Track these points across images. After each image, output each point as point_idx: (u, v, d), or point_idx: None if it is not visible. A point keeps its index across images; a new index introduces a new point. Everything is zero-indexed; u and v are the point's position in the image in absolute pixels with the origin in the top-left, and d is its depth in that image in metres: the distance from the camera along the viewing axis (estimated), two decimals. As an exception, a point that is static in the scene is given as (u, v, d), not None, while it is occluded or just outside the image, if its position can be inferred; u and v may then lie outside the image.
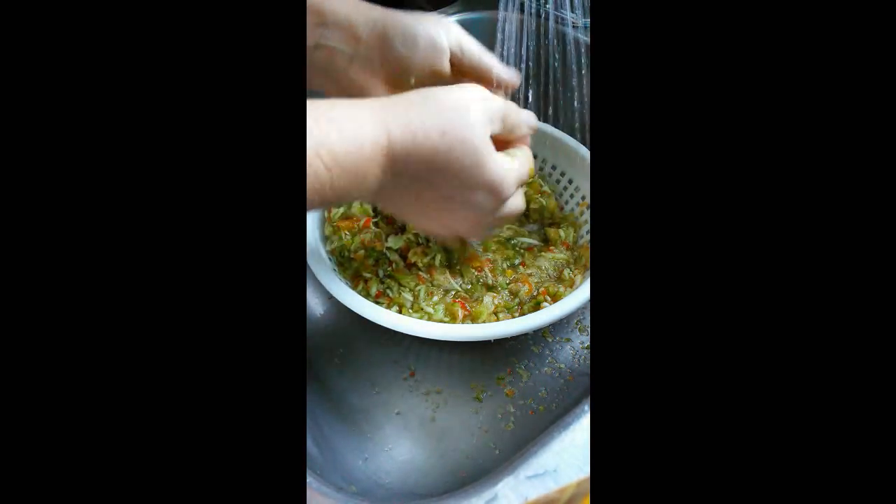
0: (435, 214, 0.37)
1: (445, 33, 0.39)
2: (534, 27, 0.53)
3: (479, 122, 0.33)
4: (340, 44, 0.39)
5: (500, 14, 0.51)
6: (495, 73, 0.40)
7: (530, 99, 0.53)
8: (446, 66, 0.39)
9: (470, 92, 0.34)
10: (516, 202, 0.38)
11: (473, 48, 0.40)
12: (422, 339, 0.47)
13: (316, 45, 0.39)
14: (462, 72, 0.40)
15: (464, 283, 0.48)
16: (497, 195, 0.35)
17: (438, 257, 0.48)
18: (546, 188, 0.55)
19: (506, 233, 0.51)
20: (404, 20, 0.39)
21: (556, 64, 0.55)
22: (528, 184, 0.54)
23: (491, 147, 0.34)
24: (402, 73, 0.39)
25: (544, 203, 0.53)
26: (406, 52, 0.38)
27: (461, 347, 0.50)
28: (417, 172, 0.32)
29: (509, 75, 0.41)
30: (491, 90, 0.38)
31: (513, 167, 0.36)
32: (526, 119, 0.38)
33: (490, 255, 0.50)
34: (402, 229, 0.50)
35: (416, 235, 0.49)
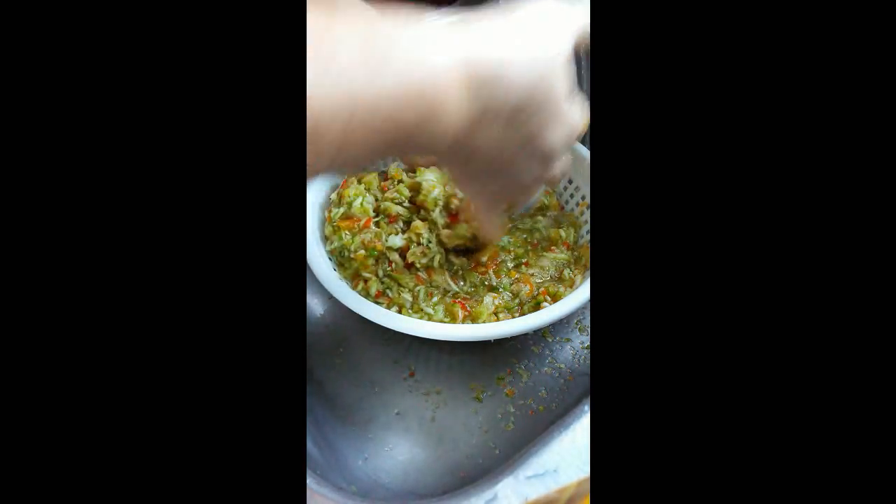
0: (511, 166, 0.32)
1: None
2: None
3: (566, 48, 0.29)
4: None
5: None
6: None
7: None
8: None
9: (556, 7, 0.30)
10: (564, 162, 0.35)
11: None
12: (422, 339, 0.47)
13: None
14: None
15: (465, 285, 0.48)
16: (571, 132, 0.31)
17: (437, 258, 0.48)
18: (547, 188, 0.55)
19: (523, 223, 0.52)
20: None
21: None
22: None
23: (570, 77, 0.30)
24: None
25: (546, 202, 0.53)
26: None
27: (461, 347, 0.50)
28: (506, 102, 0.28)
29: None
30: None
31: (578, 109, 0.32)
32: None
33: (508, 241, 0.49)
34: (408, 224, 0.50)
35: (418, 235, 0.49)
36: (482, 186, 0.35)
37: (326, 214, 0.51)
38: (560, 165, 0.35)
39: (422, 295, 0.46)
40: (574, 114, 0.31)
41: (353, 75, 0.22)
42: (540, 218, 0.53)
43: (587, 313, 0.52)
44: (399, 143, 0.25)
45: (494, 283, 0.48)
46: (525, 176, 0.33)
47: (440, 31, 0.26)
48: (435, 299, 0.46)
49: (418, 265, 0.47)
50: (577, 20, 0.31)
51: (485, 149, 0.30)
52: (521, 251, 0.50)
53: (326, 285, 0.42)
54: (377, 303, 0.44)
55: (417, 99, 0.24)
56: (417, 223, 0.48)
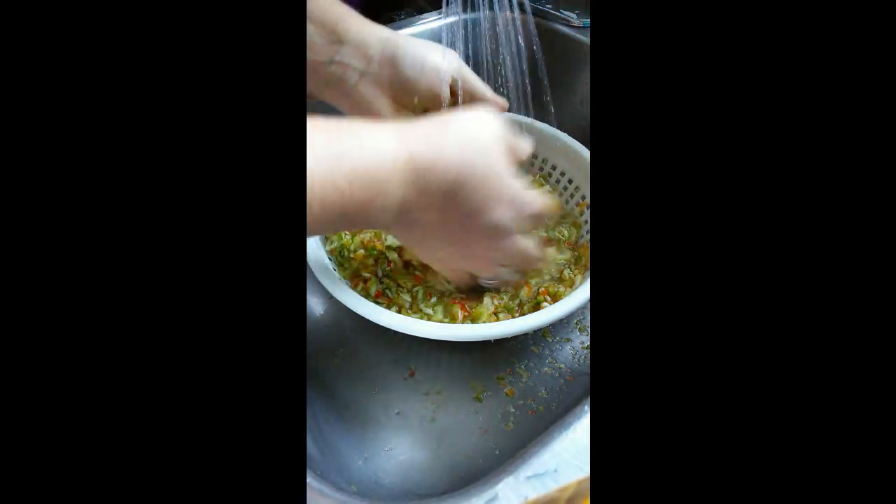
0: (455, 240, 0.36)
1: (448, 61, 0.43)
2: (534, 27, 0.53)
3: (497, 139, 0.34)
4: (353, 60, 0.42)
5: (499, 14, 0.51)
6: (489, 98, 0.45)
7: (529, 99, 0.53)
8: (447, 91, 0.43)
9: (484, 114, 0.35)
10: (530, 245, 0.39)
11: (470, 76, 0.44)
12: (422, 340, 0.47)
13: (330, 61, 0.42)
14: (458, 95, 0.44)
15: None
16: (519, 209, 0.35)
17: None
18: (548, 187, 0.55)
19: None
20: (413, 45, 0.43)
21: (556, 64, 0.54)
22: (530, 183, 0.55)
23: (509, 164, 0.35)
24: (407, 93, 0.43)
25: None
26: (413, 75, 0.42)
27: (461, 347, 0.50)
28: (440, 186, 0.32)
29: (501, 101, 0.46)
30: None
31: (532, 193, 0.36)
32: (524, 144, 0.39)
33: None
34: None
35: None
36: (430, 253, 0.40)
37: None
38: (524, 247, 0.38)
39: (420, 295, 0.46)
40: (523, 195, 0.35)
41: (317, 161, 0.27)
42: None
43: (587, 313, 0.52)
44: (350, 215, 0.30)
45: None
46: (477, 249, 0.37)
47: (388, 131, 0.31)
48: (434, 299, 0.46)
49: (415, 262, 0.47)
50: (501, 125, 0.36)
51: (424, 221, 0.34)
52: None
53: (326, 285, 0.42)
54: (377, 303, 0.44)
55: (368, 181, 0.29)
56: None
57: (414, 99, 0.43)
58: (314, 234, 0.32)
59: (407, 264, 0.48)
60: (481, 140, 0.33)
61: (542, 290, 0.47)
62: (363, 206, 0.30)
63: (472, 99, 0.44)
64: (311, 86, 0.44)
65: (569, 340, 0.50)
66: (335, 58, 0.42)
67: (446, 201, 0.33)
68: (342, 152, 0.29)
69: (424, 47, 0.43)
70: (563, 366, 0.49)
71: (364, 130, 0.31)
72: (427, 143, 0.32)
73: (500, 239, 0.36)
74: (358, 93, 0.43)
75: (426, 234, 0.36)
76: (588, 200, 0.52)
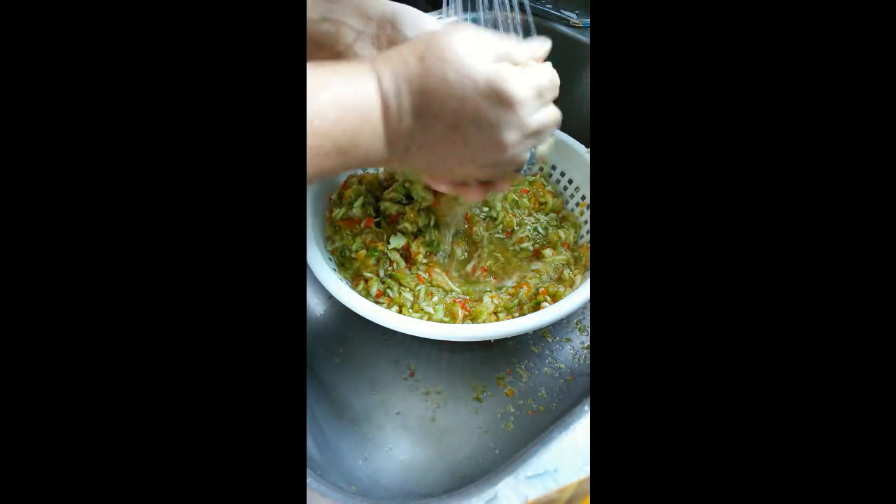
0: (454, 154, 0.34)
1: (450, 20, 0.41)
2: (534, 27, 0.53)
3: (463, 39, 0.32)
4: (349, 19, 0.40)
5: (499, 14, 0.51)
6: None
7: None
8: None
9: (457, 25, 0.34)
10: (545, 113, 0.35)
11: None
12: (422, 339, 0.47)
13: (323, 18, 0.39)
14: None
15: (464, 287, 0.48)
16: (506, 101, 0.32)
17: (446, 242, 0.48)
18: (549, 188, 0.55)
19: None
20: (413, 10, 0.40)
21: (556, 63, 0.54)
22: (531, 182, 0.55)
23: (483, 58, 0.32)
24: None
25: (550, 202, 0.54)
26: (414, 35, 0.39)
27: (461, 347, 0.50)
28: (416, 107, 0.31)
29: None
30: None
31: (520, 72, 0.33)
32: (528, 48, 0.35)
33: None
34: (419, 227, 0.50)
35: (419, 232, 0.49)
36: (436, 171, 0.38)
37: (327, 214, 0.51)
38: (539, 118, 0.35)
39: (422, 294, 0.46)
40: (496, 72, 0.32)
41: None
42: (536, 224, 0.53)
43: (587, 313, 0.52)
44: (343, 146, 0.30)
45: (491, 290, 0.48)
46: (486, 156, 0.34)
47: (363, 61, 0.31)
48: (435, 298, 0.46)
49: (419, 261, 0.47)
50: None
51: (418, 142, 0.33)
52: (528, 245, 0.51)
53: (326, 285, 0.42)
54: (377, 302, 0.44)
55: (353, 108, 0.30)
56: (408, 209, 0.49)
57: None
58: (313, 174, 0.31)
59: (410, 263, 0.48)
60: (443, 43, 0.32)
61: (542, 290, 0.47)
62: (353, 135, 0.30)
63: None
64: None
65: (569, 340, 0.50)
66: (328, 15, 0.39)
67: (429, 124, 0.32)
68: (324, 84, 0.29)
69: (424, 15, 0.41)
70: (563, 366, 0.49)
71: (339, 64, 0.31)
72: (394, 67, 0.31)
73: (502, 137, 0.33)
74: (352, 53, 0.40)
75: (427, 160, 0.35)
76: (588, 200, 0.52)
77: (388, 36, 0.40)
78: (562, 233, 0.51)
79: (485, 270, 0.49)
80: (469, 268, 0.49)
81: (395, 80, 0.31)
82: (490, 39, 0.33)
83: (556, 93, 0.36)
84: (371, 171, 0.55)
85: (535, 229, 0.52)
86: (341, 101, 0.29)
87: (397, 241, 0.48)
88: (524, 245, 0.51)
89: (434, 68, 0.31)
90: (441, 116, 0.32)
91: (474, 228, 0.51)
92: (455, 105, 0.31)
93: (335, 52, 0.40)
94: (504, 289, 0.48)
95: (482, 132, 0.33)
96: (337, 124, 0.29)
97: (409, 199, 0.50)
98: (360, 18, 0.40)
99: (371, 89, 0.31)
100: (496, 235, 0.51)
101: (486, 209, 0.51)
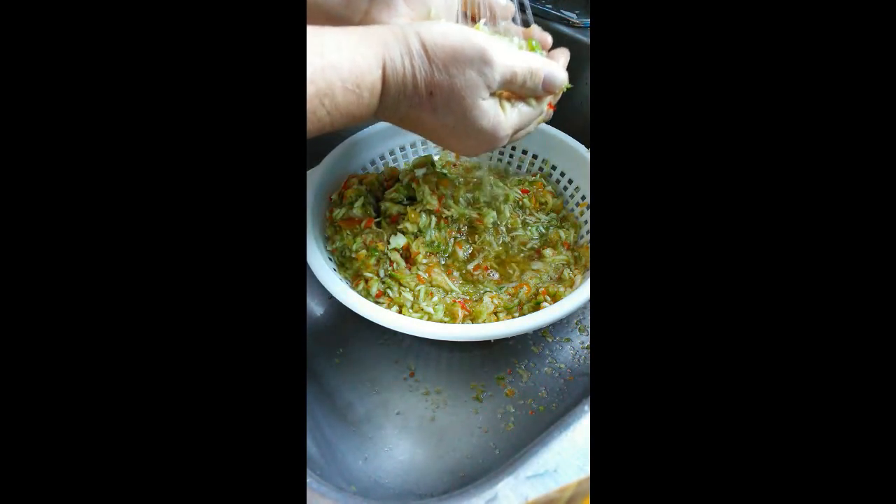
0: (449, 118, 0.35)
1: None
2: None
3: (456, 30, 0.33)
4: None
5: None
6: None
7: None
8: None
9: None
10: (525, 57, 0.36)
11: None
12: (422, 339, 0.47)
13: None
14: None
15: (464, 286, 0.48)
16: (485, 59, 0.33)
17: (448, 245, 0.48)
18: (549, 188, 0.55)
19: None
20: None
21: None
22: (531, 182, 0.55)
23: (461, 26, 0.34)
24: (424, 17, 0.40)
25: (551, 202, 0.54)
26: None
27: (461, 347, 0.50)
28: (411, 95, 0.33)
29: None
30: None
31: (503, 43, 0.35)
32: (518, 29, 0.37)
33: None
34: (420, 227, 0.50)
35: (419, 231, 0.49)
36: (438, 138, 0.39)
37: (328, 214, 0.51)
38: (527, 64, 0.35)
39: (422, 294, 0.46)
40: (478, 36, 0.34)
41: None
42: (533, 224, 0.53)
43: (587, 313, 0.52)
44: (338, 97, 0.31)
45: (491, 290, 0.48)
46: (479, 117, 0.35)
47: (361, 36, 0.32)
48: (435, 298, 0.46)
49: (419, 261, 0.47)
50: None
51: (412, 116, 0.35)
52: (530, 234, 0.51)
53: (326, 285, 0.42)
54: (377, 302, 0.44)
55: (351, 77, 0.30)
56: (408, 210, 0.49)
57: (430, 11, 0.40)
58: (314, 127, 0.32)
59: (410, 263, 0.48)
60: (439, 29, 0.33)
61: (542, 290, 0.47)
62: (346, 106, 0.31)
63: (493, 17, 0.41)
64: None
65: (569, 340, 0.50)
66: None
67: (422, 100, 0.34)
68: (323, 52, 0.29)
69: None
70: (563, 366, 0.49)
71: (340, 35, 0.31)
72: (391, 54, 0.32)
73: (488, 93, 0.35)
74: (370, 18, 0.39)
75: (417, 127, 0.37)
76: (588, 200, 0.52)
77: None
78: (562, 233, 0.51)
79: (487, 269, 0.49)
80: (472, 266, 0.49)
81: (396, 74, 0.32)
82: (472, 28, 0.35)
83: (537, 81, 0.36)
84: (371, 171, 0.55)
85: (538, 229, 0.52)
86: (344, 73, 0.30)
87: (397, 242, 0.48)
88: (528, 245, 0.51)
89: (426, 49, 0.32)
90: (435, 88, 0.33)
91: (481, 232, 0.51)
92: (442, 74, 0.33)
93: (348, 19, 0.40)
94: (504, 289, 0.48)
95: (473, 88, 0.33)
96: (341, 83, 0.30)
97: (410, 199, 0.50)
98: None
99: (373, 80, 0.31)
100: (503, 239, 0.51)
101: (493, 213, 0.51)
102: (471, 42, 0.33)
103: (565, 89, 0.39)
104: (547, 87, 0.37)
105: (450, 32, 0.33)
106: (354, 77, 0.30)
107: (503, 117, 0.36)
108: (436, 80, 0.33)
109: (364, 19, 0.39)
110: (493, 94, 0.35)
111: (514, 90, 0.36)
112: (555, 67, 0.37)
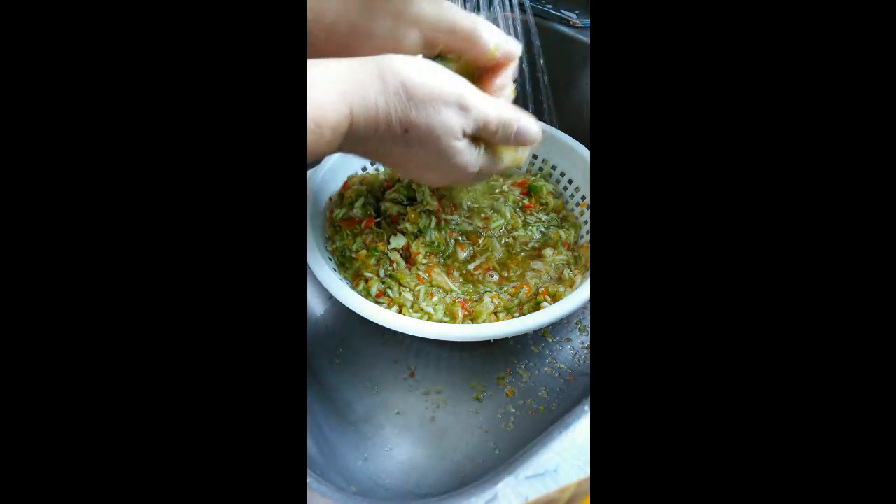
0: (421, 154, 0.36)
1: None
2: (534, 26, 0.53)
3: (424, 70, 0.33)
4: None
5: (499, 14, 0.51)
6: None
7: (529, 99, 0.53)
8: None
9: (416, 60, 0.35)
10: (501, 107, 0.36)
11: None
12: (422, 339, 0.47)
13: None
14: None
15: (463, 286, 0.48)
16: (463, 104, 0.34)
17: (448, 246, 0.48)
18: (550, 188, 0.55)
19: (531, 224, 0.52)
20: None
21: (556, 63, 0.54)
22: (532, 185, 0.55)
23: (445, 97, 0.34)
24: (397, 48, 0.39)
25: (552, 202, 0.54)
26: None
27: (461, 347, 0.50)
28: (380, 138, 0.33)
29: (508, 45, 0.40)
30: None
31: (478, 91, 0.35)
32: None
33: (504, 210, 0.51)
34: (420, 227, 0.50)
35: (419, 232, 0.49)
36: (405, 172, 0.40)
37: (328, 214, 0.51)
38: (495, 111, 0.36)
39: (422, 294, 0.46)
40: (453, 81, 0.34)
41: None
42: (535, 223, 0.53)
43: (587, 313, 0.52)
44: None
45: (491, 290, 0.48)
46: (445, 160, 0.36)
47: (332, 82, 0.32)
48: (435, 298, 0.46)
49: (419, 261, 0.47)
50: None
51: (378, 153, 0.36)
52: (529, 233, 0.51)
53: (326, 285, 0.42)
54: (377, 303, 0.44)
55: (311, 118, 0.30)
56: (409, 210, 0.49)
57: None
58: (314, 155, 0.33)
59: (410, 263, 0.48)
60: (400, 73, 0.33)
61: (542, 290, 0.47)
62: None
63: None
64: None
65: (569, 340, 0.50)
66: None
67: (395, 145, 0.35)
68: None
69: None
70: (563, 366, 0.49)
71: (318, 77, 0.31)
72: (363, 93, 0.32)
73: (458, 136, 0.35)
74: (351, 47, 0.39)
75: (384, 159, 0.38)
76: (588, 200, 0.52)
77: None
78: (562, 233, 0.51)
79: (488, 269, 0.49)
80: (472, 266, 0.49)
81: (359, 125, 0.32)
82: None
83: (510, 131, 0.37)
84: (371, 171, 0.55)
85: (538, 228, 0.52)
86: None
87: (397, 242, 0.48)
88: (529, 245, 0.51)
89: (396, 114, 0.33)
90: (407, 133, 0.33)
91: (483, 234, 0.51)
92: (411, 109, 0.33)
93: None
94: (504, 289, 0.48)
95: (440, 133, 0.34)
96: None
97: (411, 199, 0.50)
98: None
99: (334, 124, 0.31)
100: (505, 240, 0.51)
101: (495, 214, 0.51)
102: (450, 84, 0.34)
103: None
104: (519, 140, 0.37)
105: (428, 71, 0.33)
106: (314, 116, 0.30)
107: (475, 156, 0.37)
108: (412, 118, 0.33)
109: (342, 47, 0.39)
110: (465, 136, 0.36)
111: (485, 137, 0.37)
112: (528, 121, 0.37)
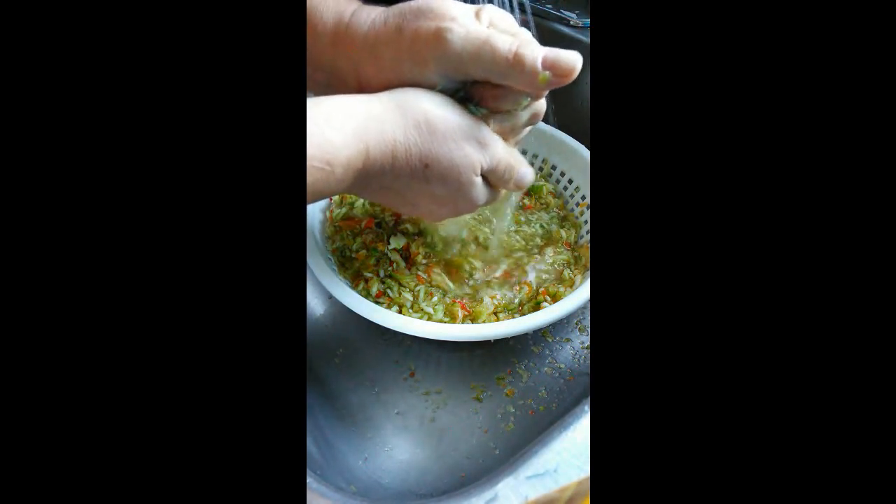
0: (441, 189, 0.35)
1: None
2: (534, 27, 0.53)
3: (440, 113, 0.33)
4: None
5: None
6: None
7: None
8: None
9: (430, 94, 0.34)
10: (513, 158, 0.36)
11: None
12: (422, 339, 0.47)
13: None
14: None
15: (462, 286, 0.48)
16: (481, 140, 0.34)
17: (440, 247, 0.48)
18: (550, 188, 0.55)
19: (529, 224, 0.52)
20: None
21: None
22: (534, 186, 0.55)
23: (457, 136, 0.33)
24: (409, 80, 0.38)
25: (552, 202, 0.54)
26: None
27: (461, 347, 0.50)
28: (383, 178, 0.33)
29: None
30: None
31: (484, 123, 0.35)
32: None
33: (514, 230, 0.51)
34: (419, 228, 0.50)
35: (419, 233, 0.49)
36: (407, 209, 0.39)
37: (328, 215, 0.51)
38: (501, 154, 0.36)
39: (422, 294, 0.46)
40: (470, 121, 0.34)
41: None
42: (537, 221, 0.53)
43: (587, 313, 0.52)
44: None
45: (490, 289, 0.48)
46: (450, 194, 0.36)
47: (349, 119, 0.31)
48: (435, 299, 0.46)
49: (418, 261, 0.47)
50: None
51: (384, 193, 0.36)
52: (530, 234, 0.51)
53: (326, 285, 0.42)
54: (377, 303, 0.44)
55: (320, 158, 0.29)
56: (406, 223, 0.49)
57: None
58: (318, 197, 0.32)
59: (410, 263, 0.48)
60: (417, 112, 0.32)
61: (542, 290, 0.47)
62: (312, 184, 0.30)
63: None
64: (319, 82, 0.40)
65: (569, 340, 0.50)
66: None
67: (397, 185, 0.34)
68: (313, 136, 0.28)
69: None
70: (563, 366, 0.49)
71: (331, 113, 0.30)
72: (380, 128, 0.31)
73: (471, 171, 0.35)
74: (361, 75, 0.38)
75: (393, 197, 0.37)
76: (588, 200, 0.52)
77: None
78: (562, 232, 0.51)
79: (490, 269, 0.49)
80: (476, 276, 0.49)
81: (372, 166, 0.32)
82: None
83: (511, 176, 0.37)
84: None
85: (540, 224, 0.52)
86: (314, 154, 0.29)
87: (397, 242, 0.48)
88: (530, 242, 0.51)
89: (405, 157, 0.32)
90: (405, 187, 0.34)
91: (482, 242, 0.51)
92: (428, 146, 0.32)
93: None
94: (504, 289, 0.48)
95: (454, 164, 0.34)
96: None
97: None
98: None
99: (346, 163, 0.30)
100: (505, 239, 0.51)
101: (503, 223, 0.51)
102: (470, 122, 0.34)
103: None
104: (516, 186, 0.38)
105: (447, 105, 0.33)
106: (324, 154, 0.29)
107: (484, 192, 0.37)
108: (434, 152, 0.33)
109: (353, 75, 0.37)
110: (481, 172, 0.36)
111: (491, 178, 0.37)
112: (527, 170, 0.38)
